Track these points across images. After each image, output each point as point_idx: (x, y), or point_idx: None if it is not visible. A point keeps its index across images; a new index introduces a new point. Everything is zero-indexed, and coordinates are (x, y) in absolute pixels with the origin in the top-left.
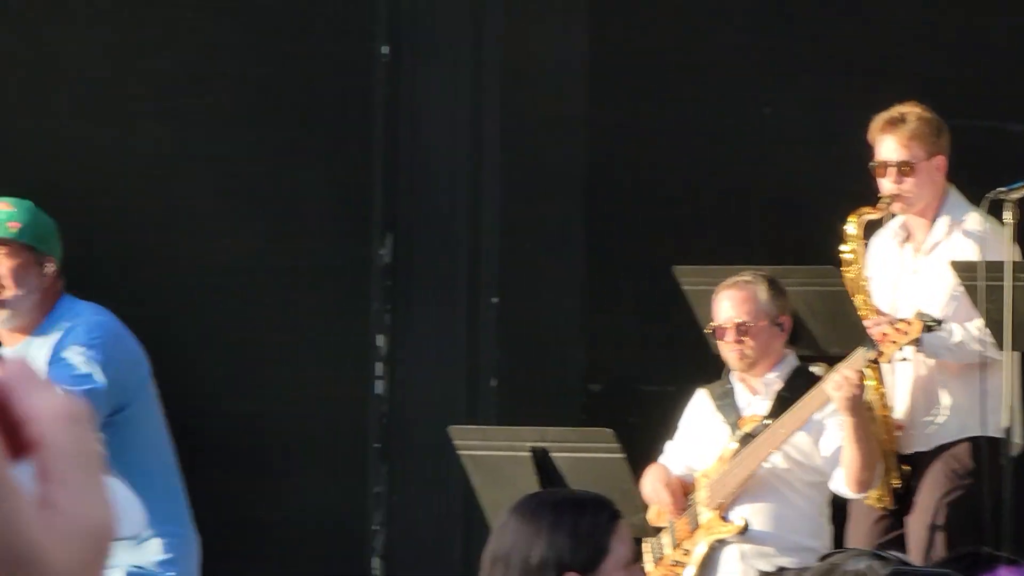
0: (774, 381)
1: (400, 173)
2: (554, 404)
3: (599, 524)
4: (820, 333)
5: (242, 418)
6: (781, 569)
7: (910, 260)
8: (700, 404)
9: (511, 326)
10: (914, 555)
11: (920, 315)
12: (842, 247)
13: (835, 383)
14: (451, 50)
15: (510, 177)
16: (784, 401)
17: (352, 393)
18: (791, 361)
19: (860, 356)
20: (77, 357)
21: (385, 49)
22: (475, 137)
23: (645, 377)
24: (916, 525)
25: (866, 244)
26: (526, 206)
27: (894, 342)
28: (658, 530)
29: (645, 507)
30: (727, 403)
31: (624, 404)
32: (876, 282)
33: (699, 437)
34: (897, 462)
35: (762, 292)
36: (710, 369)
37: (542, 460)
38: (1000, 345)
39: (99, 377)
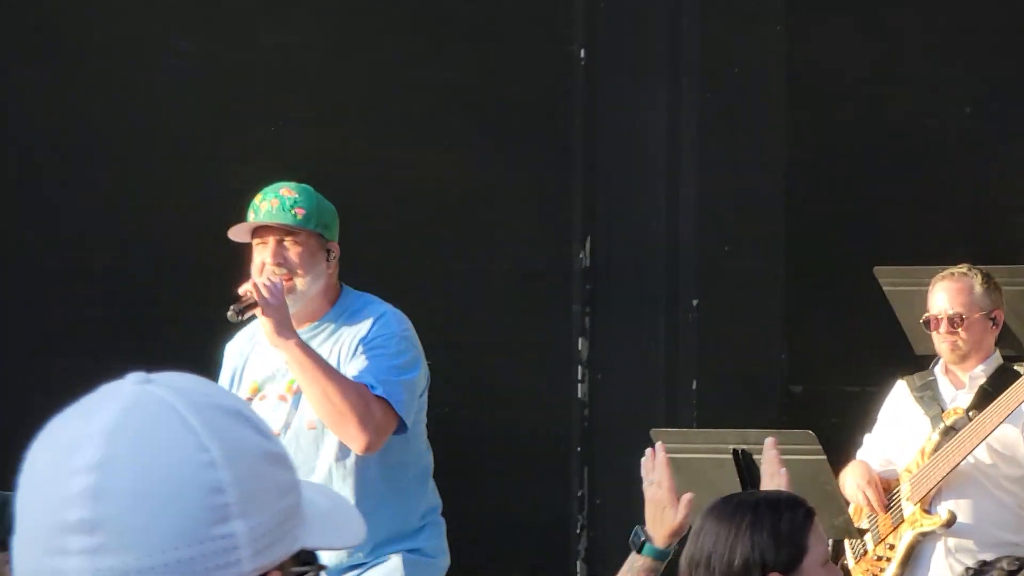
0: (979, 375)
1: (598, 176)
2: (755, 406)
3: (797, 522)
4: (1022, 333)
5: (445, 421)
6: (983, 563)
7: None
8: (900, 395)
9: (711, 328)
10: None
11: None
12: None
13: None
14: (648, 51)
15: (708, 179)
16: (986, 395)
17: (554, 397)
18: (996, 358)
19: None
20: (394, 345)
21: (582, 51)
22: (672, 139)
23: (846, 378)
24: None
25: None
26: (725, 207)
27: None
28: (861, 531)
29: (847, 508)
30: (928, 395)
31: (826, 405)
32: None
33: (899, 430)
34: None
35: (978, 285)
36: (912, 369)
37: (744, 462)
38: None
39: (416, 366)
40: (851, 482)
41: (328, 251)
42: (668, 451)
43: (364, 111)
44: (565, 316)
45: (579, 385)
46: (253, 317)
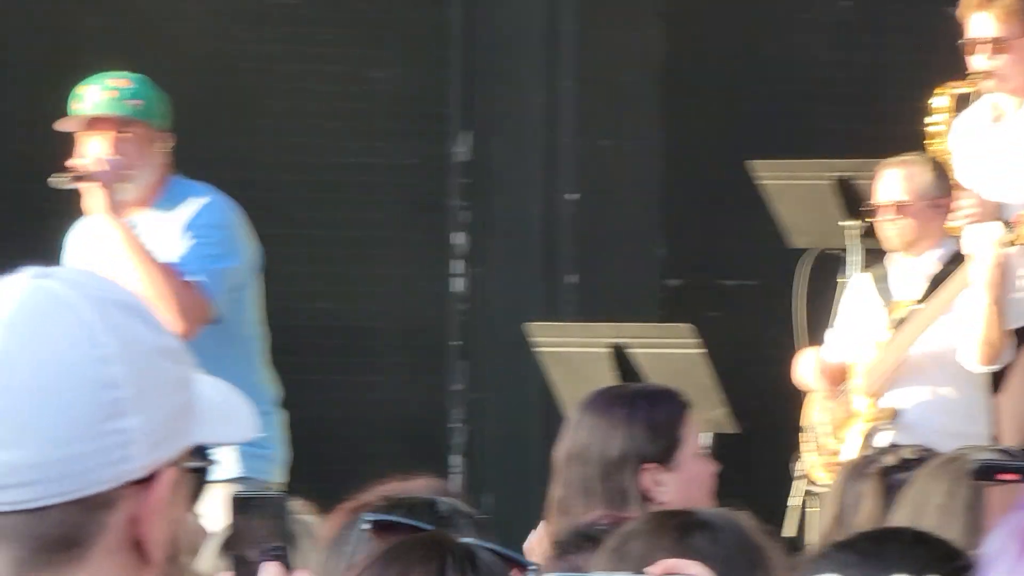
0: (932, 262)
1: (477, 71)
2: (633, 299)
3: (673, 415)
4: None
5: (320, 314)
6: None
7: (999, 138)
8: (859, 288)
9: (589, 222)
10: (1007, 436)
11: None
12: (929, 119)
13: (974, 265)
14: None
15: (586, 72)
16: (936, 284)
17: (431, 291)
18: (952, 244)
19: (1000, 236)
20: (214, 234)
21: None
22: (551, 32)
23: (724, 271)
24: (1008, 406)
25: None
26: (603, 101)
27: None
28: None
29: (723, 402)
30: (882, 287)
31: (703, 299)
32: (960, 158)
33: (855, 323)
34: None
35: (924, 172)
36: (789, 262)
37: (621, 356)
38: None
39: (236, 255)
40: (803, 370)
41: (160, 140)
42: (545, 345)
43: (232, 5)
44: (443, 211)
45: (456, 280)
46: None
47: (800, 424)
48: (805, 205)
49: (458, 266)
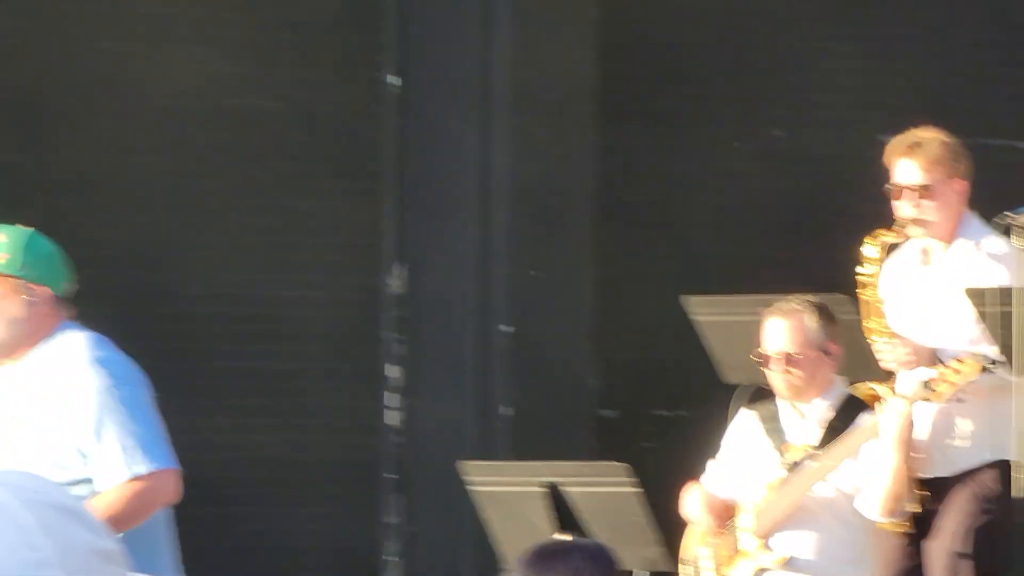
0: (824, 408)
1: (410, 204)
2: (567, 430)
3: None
4: (855, 361)
5: (255, 446)
6: None
7: (929, 282)
8: (746, 425)
9: (523, 354)
10: None
11: (977, 356)
12: (860, 269)
13: (887, 418)
14: (459, 77)
15: (520, 205)
16: (834, 430)
17: (365, 423)
18: (840, 389)
19: (914, 391)
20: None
21: (394, 79)
22: (484, 164)
23: (657, 402)
24: (939, 551)
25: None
26: (537, 233)
27: (951, 382)
28: (685, 562)
29: (658, 541)
30: (772, 427)
31: (637, 429)
32: (892, 305)
33: (743, 460)
34: (916, 486)
35: (810, 320)
36: (724, 394)
37: (556, 496)
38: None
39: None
40: (690, 504)
41: (33, 295)
42: (478, 484)
43: (172, 138)
44: (377, 343)
45: (389, 412)
46: None
47: (680, 556)
48: (739, 341)
49: (392, 398)
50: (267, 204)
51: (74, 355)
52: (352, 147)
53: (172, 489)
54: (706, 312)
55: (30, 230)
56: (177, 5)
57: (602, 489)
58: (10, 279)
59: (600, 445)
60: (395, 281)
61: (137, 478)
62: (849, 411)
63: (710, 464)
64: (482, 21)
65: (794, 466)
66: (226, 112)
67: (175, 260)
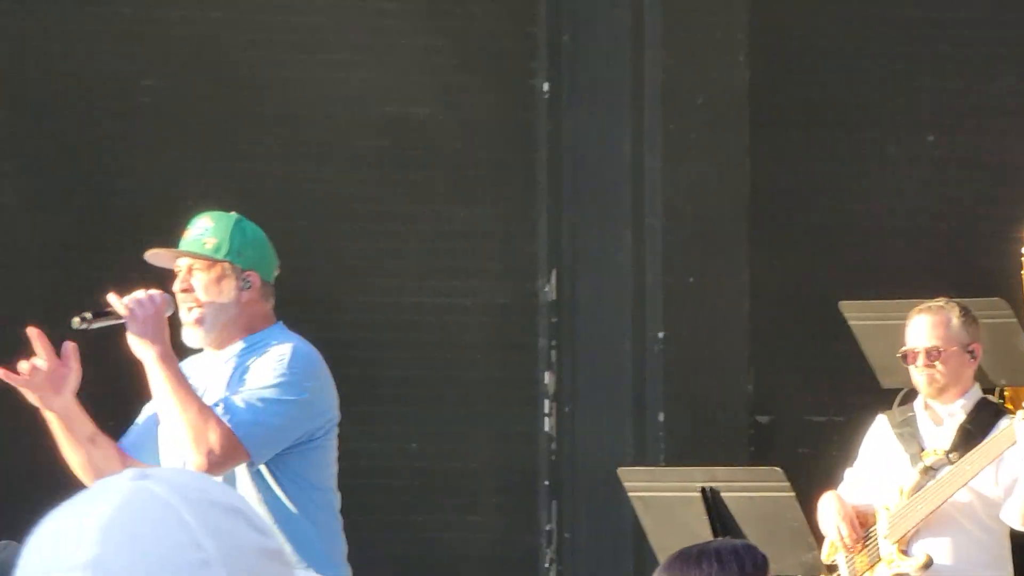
0: (958, 412)
1: (564, 210)
2: (722, 437)
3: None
4: (988, 365)
5: (411, 456)
6: None
7: None
8: (880, 431)
9: (677, 360)
10: None
11: None
12: None
13: None
14: (612, 83)
15: (674, 210)
16: (966, 434)
17: (520, 431)
18: (976, 392)
19: None
20: (270, 379)
21: (545, 85)
22: (637, 170)
23: (813, 408)
24: None
25: None
26: (690, 238)
27: None
28: (831, 568)
29: (816, 545)
30: (907, 432)
31: (793, 435)
32: None
33: (879, 466)
34: None
35: (955, 318)
36: (878, 399)
37: (712, 500)
38: None
39: (293, 406)
40: (826, 516)
41: (244, 280)
42: (636, 489)
43: (327, 145)
44: (532, 350)
45: (546, 419)
46: (100, 326)
47: (823, 564)
48: (894, 345)
49: (548, 405)
50: (423, 212)
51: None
52: (506, 154)
53: (229, 464)
54: (861, 316)
55: (236, 215)
56: (331, 14)
57: (759, 494)
58: (219, 264)
59: (755, 451)
60: (550, 288)
61: (222, 425)
62: (984, 416)
63: (847, 472)
64: (633, 27)
65: (929, 471)
66: (382, 119)
67: (332, 268)
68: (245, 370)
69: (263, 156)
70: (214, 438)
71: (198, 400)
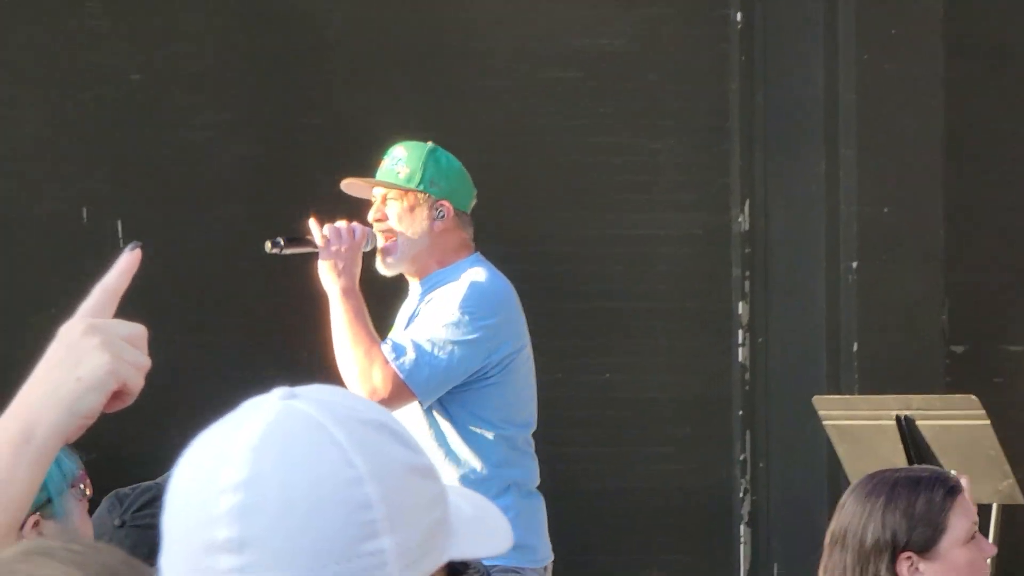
0: None
1: (757, 141)
2: (917, 367)
3: (934, 502)
4: None
5: (604, 387)
6: None
7: None
8: None
9: (871, 290)
10: None
11: None
12: None
13: None
14: (806, 14)
15: (867, 139)
16: None
17: (714, 362)
18: None
19: None
20: (445, 317)
21: (738, 15)
22: (831, 100)
23: (1009, 337)
24: None
25: None
26: (884, 168)
27: None
28: None
29: (1012, 473)
30: None
31: (988, 365)
32: None
33: None
34: None
35: None
36: None
37: (908, 429)
38: None
39: (465, 345)
40: None
41: (436, 210)
42: (831, 418)
43: (521, 78)
44: (724, 281)
45: (739, 349)
46: (296, 252)
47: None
48: None
49: (742, 336)
50: (616, 144)
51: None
52: (699, 85)
53: (395, 404)
54: None
55: (431, 144)
56: None
57: (954, 422)
58: (413, 193)
59: (950, 381)
60: (743, 218)
61: (387, 364)
62: None
63: None
64: None
65: None
66: (576, 52)
67: (526, 201)
68: (428, 303)
69: (457, 89)
70: (378, 378)
71: (369, 339)
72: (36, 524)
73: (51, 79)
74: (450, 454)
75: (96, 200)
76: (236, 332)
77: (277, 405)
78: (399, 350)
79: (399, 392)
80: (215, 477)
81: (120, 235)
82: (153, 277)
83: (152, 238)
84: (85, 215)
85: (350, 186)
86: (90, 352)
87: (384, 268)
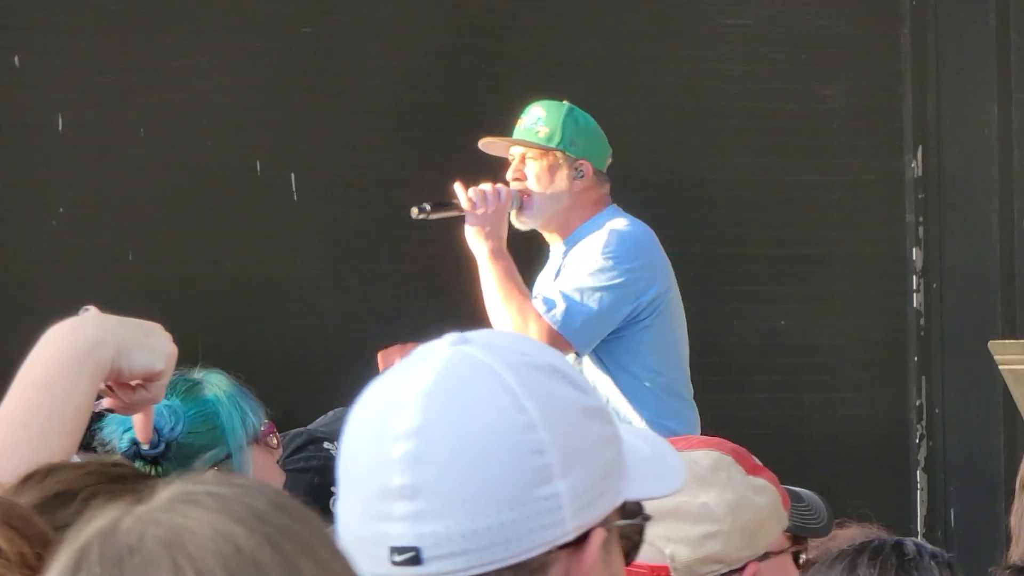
0: None
1: (930, 85)
2: None
3: None
4: None
5: (778, 332)
6: None
7: None
8: None
9: None
10: None
11: None
12: None
13: None
14: None
15: None
16: None
17: (889, 306)
18: None
19: None
20: (590, 267)
21: None
22: (1003, 45)
23: None
24: None
25: None
26: None
27: None
28: None
29: None
30: None
31: None
32: None
33: None
34: None
35: None
36: None
37: None
38: None
39: (612, 293)
40: None
41: (576, 168)
42: (1007, 363)
43: (683, 22)
44: (898, 226)
45: (914, 294)
46: (443, 216)
47: None
48: None
49: (915, 281)
50: (788, 89)
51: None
52: (870, 30)
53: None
54: None
55: (567, 104)
56: None
57: None
58: (552, 152)
59: None
60: (916, 163)
61: (547, 321)
62: None
63: None
64: None
65: None
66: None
67: (696, 146)
68: (572, 257)
69: (627, 32)
70: (534, 333)
71: (521, 296)
72: None
73: (227, 30)
74: (613, 405)
75: (269, 152)
76: (395, 285)
77: (448, 351)
78: (549, 303)
79: (556, 344)
80: (388, 424)
81: (294, 187)
82: (324, 227)
83: (323, 189)
84: (259, 167)
85: (488, 145)
86: (158, 333)
87: (519, 224)
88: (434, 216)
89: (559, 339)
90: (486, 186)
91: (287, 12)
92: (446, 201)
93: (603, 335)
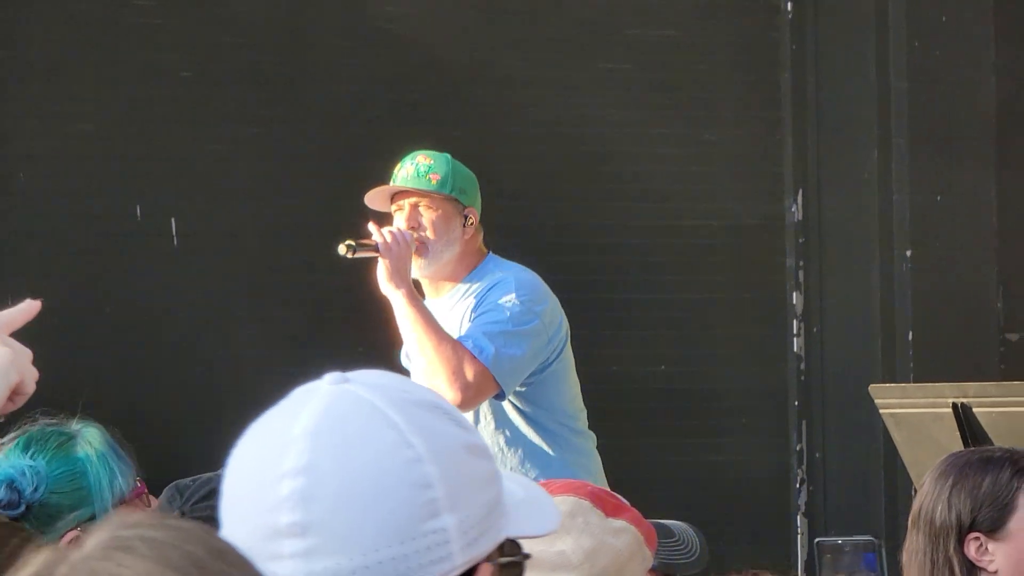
0: None
1: (809, 130)
2: (971, 355)
3: (1001, 482)
4: None
5: (660, 377)
6: None
7: None
8: None
9: (924, 279)
10: None
11: None
12: None
13: None
14: (854, 4)
15: (919, 128)
16: None
17: (769, 351)
18: None
19: None
20: (504, 310)
21: (788, 5)
22: (883, 89)
23: None
24: None
25: None
26: (936, 156)
27: None
28: None
29: None
30: None
31: None
32: None
33: None
34: None
35: None
36: None
37: (964, 416)
38: None
39: (528, 337)
40: None
41: (465, 216)
42: (887, 406)
43: (573, 70)
44: (778, 270)
45: (794, 339)
46: (363, 257)
47: None
48: None
49: (796, 326)
50: (669, 134)
51: (495, 283)
52: (750, 75)
53: (482, 398)
54: None
55: (446, 153)
56: None
57: (1011, 409)
58: (447, 201)
59: (1005, 368)
60: (797, 208)
61: (474, 358)
62: None
63: None
64: None
65: None
66: (628, 42)
67: (581, 193)
68: (476, 306)
69: (506, 79)
70: (470, 373)
71: (449, 336)
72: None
73: (103, 77)
74: (529, 449)
75: (150, 198)
76: (291, 326)
77: (331, 390)
78: (480, 344)
79: (487, 384)
80: (275, 463)
81: (174, 232)
82: (208, 272)
83: (204, 234)
84: (139, 212)
85: (373, 198)
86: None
87: (414, 271)
88: (357, 255)
89: (491, 380)
90: (394, 228)
91: (165, 59)
92: (364, 241)
93: (523, 378)
